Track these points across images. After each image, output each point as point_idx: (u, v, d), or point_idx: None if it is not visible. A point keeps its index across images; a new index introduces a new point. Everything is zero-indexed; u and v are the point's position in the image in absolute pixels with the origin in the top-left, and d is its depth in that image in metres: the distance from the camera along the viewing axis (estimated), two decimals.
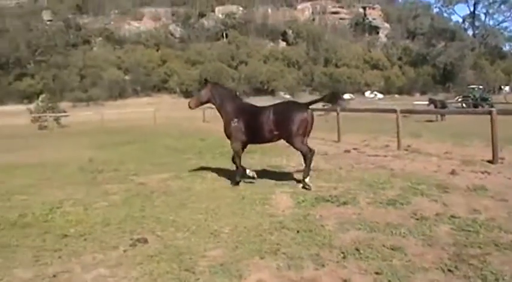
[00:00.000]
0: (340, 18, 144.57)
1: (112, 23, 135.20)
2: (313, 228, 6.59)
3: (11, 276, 5.35)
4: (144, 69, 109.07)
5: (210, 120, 39.76)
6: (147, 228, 6.94)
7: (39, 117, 44.49)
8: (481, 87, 58.58)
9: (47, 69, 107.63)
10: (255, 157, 14.19)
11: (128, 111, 50.52)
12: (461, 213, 7.02)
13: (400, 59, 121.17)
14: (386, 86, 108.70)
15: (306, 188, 9.17)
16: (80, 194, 9.74)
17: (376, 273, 5.00)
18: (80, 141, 24.71)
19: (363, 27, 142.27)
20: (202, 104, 10.73)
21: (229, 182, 10.35)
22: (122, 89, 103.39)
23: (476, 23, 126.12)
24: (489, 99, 50.39)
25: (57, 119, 44.65)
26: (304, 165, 9.67)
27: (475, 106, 46.48)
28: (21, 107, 72.90)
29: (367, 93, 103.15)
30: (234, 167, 10.52)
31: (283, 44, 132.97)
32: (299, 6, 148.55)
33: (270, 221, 7.06)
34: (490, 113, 12.44)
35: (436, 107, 35.69)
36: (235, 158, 10.30)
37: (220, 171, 11.68)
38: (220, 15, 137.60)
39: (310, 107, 9.82)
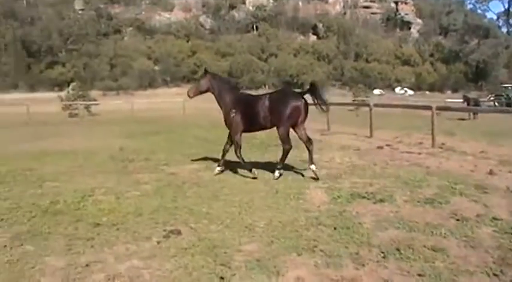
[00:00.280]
0: (372, 13, 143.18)
1: (143, 13, 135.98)
2: (350, 225, 6.41)
3: (43, 264, 5.27)
4: (174, 59, 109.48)
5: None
6: (180, 219, 6.82)
7: (70, 105, 44.77)
8: None
9: (78, 58, 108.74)
10: None
11: (158, 101, 50.68)
12: (503, 215, 6.77)
13: (432, 55, 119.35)
14: (417, 83, 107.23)
15: (276, 179, 9.60)
16: (111, 182, 9.68)
17: (419, 275, 4.84)
18: (110, 129, 24.75)
19: (394, 22, 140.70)
20: (201, 93, 10.91)
21: (262, 174, 10.17)
22: (152, 78, 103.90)
23: (511, 21, 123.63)
24: None
25: (87, 107, 44.89)
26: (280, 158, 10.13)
27: (508, 105, 45.59)
28: (52, 95, 73.59)
29: (397, 89, 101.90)
30: (262, 159, 10.45)
31: (313, 37, 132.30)
32: (330, 0, 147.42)
33: (305, 216, 6.89)
34: None
35: (469, 104, 35.09)
36: (235, 147, 10.42)
37: (253, 163, 11.51)
38: (250, 7, 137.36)
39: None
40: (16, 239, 6.08)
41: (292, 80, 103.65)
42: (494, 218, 6.59)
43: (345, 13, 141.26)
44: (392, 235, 6.00)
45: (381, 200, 7.66)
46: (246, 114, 10.13)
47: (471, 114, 31.75)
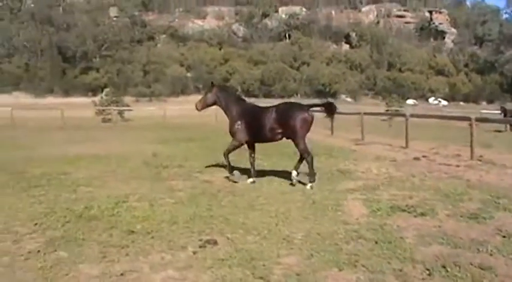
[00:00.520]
0: (406, 22, 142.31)
1: (176, 20, 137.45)
2: (392, 239, 6.14)
3: (77, 271, 5.15)
4: (207, 67, 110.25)
5: None
6: (216, 229, 6.64)
7: (103, 110, 45.23)
8: None
9: (112, 64, 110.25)
10: (322, 160, 13.70)
11: (190, 107, 50.37)
12: None
13: (466, 65, 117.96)
14: (451, 93, 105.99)
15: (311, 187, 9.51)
16: (144, 189, 9.58)
17: None
18: (143, 135, 24.85)
19: (428, 31, 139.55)
20: (208, 106, 11.11)
21: (298, 184, 9.99)
22: (184, 85, 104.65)
23: None
24: None
25: (120, 113, 45.31)
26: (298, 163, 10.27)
27: None
28: (86, 100, 74.66)
29: (431, 100, 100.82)
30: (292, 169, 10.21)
31: (346, 46, 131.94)
32: (363, 9, 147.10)
33: (344, 229, 6.65)
34: None
35: (505, 115, 34.34)
36: (226, 151, 10.60)
37: (288, 173, 11.30)
38: (283, 16, 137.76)
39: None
40: (50, 244, 5.98)
41: (324, 89, 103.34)
42: None
43: (378, 22, 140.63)
44: (436, 251, 5.72)
45: (422, 214, 7.37)
46: (252, 125, 10.27)
47: (507, 126, 31.07)
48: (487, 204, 7.97)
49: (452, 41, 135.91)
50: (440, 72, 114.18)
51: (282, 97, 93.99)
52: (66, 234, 6.38)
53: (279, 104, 10.48)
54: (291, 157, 14.42)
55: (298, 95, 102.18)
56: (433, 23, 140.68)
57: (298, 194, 8.97)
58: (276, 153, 15.49)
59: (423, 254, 5.63)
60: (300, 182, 10.07)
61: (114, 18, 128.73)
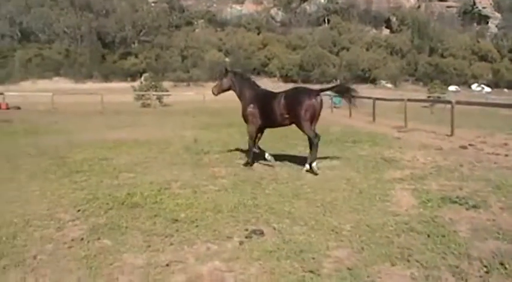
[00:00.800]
0: (448, 6, 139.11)
1: (214, 5, 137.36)
2: (445, 233, 5.86)
3: (121, 261, 5.04)
4: (245, 52, 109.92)
5: None
6: (261, 218, 6.46)
7: (143, 95, 45.54)
8: None
9: (151, 49, 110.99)
10: (365, 148, 13.44)
11: (228, 93, 50.34)
12: None
13: (510, 51, 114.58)
14: (494, 79, 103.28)
15: (315, 173, 9.53)
16: (186, 175, 9.48)
17: None
18: (182, 120, 24.85)
19: (471, 16, 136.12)
20: (224, 91, 11.46)
21: (342, 172, 9.77)
22: (238, 71, 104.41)
23: None
24: None
25: (159, 98, 45.55)
26: (309, 151, 10.16)
27: None
28: (125, 85, 75.26)
29: (474, 86, 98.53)
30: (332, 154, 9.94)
31: (386, 31, 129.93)
32: None
33: (394, 220, 6.39)
34: None
35: None
36: (249, 140, 10.89)
37: (331, 161, 11.08)
38: (322, 0, 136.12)
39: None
40: (93, 232, 5.90)
41: (364, 74, 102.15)
42: None
43: (419, 6, 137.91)
44: (492, 247, 5.43)
45: (475, 206, 7.04)
46: (263, 110, 10.49)
47: None
48: None
49: (496, 26, 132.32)
50: (483, 58, 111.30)
51: (321, 82, 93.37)
52: (109, 222, 6.28)
53: (289, 90, 10.71)
54: (335, 144, 14.25)
55: (338, 80, 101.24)
56: (476, 7, 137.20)
57: (343, 183, 8.72)
58: (321, 139, 15.24)
59: (479, 249, 5.36)
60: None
61: (153, 4, 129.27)
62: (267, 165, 10.65)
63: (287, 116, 10.09)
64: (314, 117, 10.06)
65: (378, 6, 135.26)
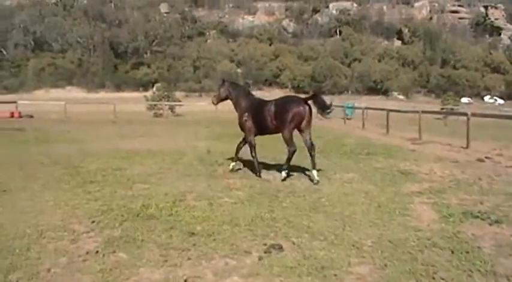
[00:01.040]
0: (460, 18, 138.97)
1: (226, 16, 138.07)
2: (469, 249, 5.68)
3: (138, 276, 4.90)
4: (257, 63, 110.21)
5: (318, 116, 39.02)
6: (280, 232, 6.30)
7: (155, 105, 45.61)
8: None
9: (163, 59, 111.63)
10: (381, 160, 13.26)
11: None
12: None
13: None
14: (507, 91, 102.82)
15: (282, 180, 9.94)
16: (201, 186, 9.35)
17: None
18: (195, 130, 24.78)
19: (483, 27, 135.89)
20: (222, 100, 11.81)
21: (359, 185, 9.61)
22: (235, 81, 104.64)
23: None
24: None
25: (171, 108, 45.59)
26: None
27: None
28: (137, 95, 75.59)
29: (487, 98, 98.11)
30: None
31: (398, 42, 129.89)
32: (416, 4, 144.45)
33: (416, 236, 6.21)
34: None
35: None
36: (251, 150, 11.09)
37: (348, 173, 10.92)
38: (334, 11, 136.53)
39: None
40: (109, 244, 5.76)
41: (375, 86, 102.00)
42: None
43: (431, 18, 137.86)
44: None
45: (497, 221, 6.85)
46: (256, 118, 10.75)
47: None
48: None
49: (509, 38, 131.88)
50: (496, 70, 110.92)
51: (333, 94, 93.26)
52: (124, 234, 6.15)
53: (279, 98, 11.00)
54: (349, 156, 14.08)
55: (349, 91, 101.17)
56: (489, 19, 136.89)
57: (361, 196, 8.56)
58: (334, 151, 15.12)
59: (505, 266, 5.19)
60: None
61: (165, 14, 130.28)
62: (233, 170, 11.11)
63: (275, 123, 10.34)
64: (299, 126, 10.23)
65: (389, 18, 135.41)
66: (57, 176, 10.58)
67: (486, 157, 14.26)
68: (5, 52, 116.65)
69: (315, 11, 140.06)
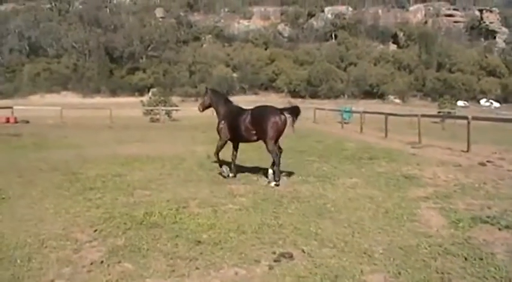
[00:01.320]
0: (455, 21, 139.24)
1: (222, 21, 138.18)
2: (482, 256, 5.57)
3: None
4: (252, 67, 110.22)
5: (319, 121, 38.97)
6: (288, 240, 6.15)
7: (151, 110, 45.45)
8: None
9: (158, 64, 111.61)
10: (383, 164, 13.14)
11: None
12: None
13: None
14: (503, 94, 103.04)
15: (271, 186, 9.93)
16: (204, 193, 9.21)
17: None
18: (193, 135, 24.61)
19: (478, 31, 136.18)
20: (206, 107, 12.25)
21: (364, 190, 9.48)
22: (230, 86, 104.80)
23: None
24: None
25: (168, 113, 45.44)
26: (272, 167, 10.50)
27: None
28: (133, 99, 75.38)
29: (483, 101, 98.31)
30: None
31: (393, 46, 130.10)
32: (411, 8, 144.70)
33: (427, 242, 6.09)
34: None
35: None
36: (216, 151, 11.48)
37: (351, 178, 10.79)
38: (329, 16, 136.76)
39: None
40: (113, 254, 5.60)
41: (371, 90, 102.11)
42: None
43: (426, 22, 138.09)
44: None
45: (508, 227, 6.74)
46: (232, 125, 11.02)
47: None
48: None
49: (504, 41, 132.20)
50: (491, 73, 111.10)
51: (329, 98, 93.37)
52: (128, 243, 5.98)
53: (255, 107, 11.22)
54: (351, 161, 13.95)
55: (346, 95, 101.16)
56: (484, 22, 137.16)
57: (366, 201, 8.43)
58: (335, 156, 15.00)
59: None
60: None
61: (160, 19, 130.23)
62: (221, 175, 11.19)
63: (254, 132, 10.60)
64: (279, 135, 10.50)
65: (385, 22, 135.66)
66: (56, 182, 10.41)
67: (488, 161, 14.16)
68: None
69: (310, 15, 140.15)
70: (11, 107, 41.75)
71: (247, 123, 10.58)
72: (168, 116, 45.24)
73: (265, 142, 10.43)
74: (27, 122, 38.89)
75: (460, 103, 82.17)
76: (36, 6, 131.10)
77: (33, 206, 8.06)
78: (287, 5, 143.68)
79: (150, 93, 60.63)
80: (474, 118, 18.53)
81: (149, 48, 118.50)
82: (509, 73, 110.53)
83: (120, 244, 5.97)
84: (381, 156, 15.04)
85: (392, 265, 5.28)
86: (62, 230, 6.64)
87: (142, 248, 5.82)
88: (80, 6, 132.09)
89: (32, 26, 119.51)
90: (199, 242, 6.03)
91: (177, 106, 50.38)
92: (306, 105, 54.74)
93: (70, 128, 31.62)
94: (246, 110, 11.12)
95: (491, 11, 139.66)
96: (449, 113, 46.34)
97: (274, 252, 5.65)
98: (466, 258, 5.50)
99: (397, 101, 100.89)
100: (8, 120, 38.17)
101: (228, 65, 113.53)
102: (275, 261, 5.38)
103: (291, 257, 5.47)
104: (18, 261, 5.38)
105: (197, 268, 5.19)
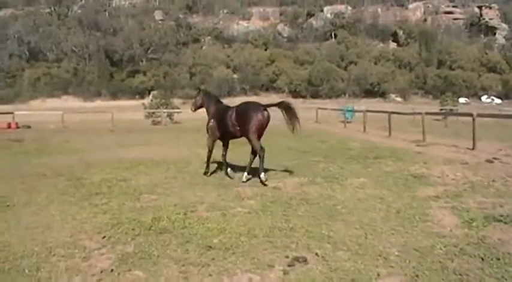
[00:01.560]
0: (454, 18, 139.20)
1: (221, 22, 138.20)
2: (499, 256, 5.47)
3: None
4: (253, 68, 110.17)
5: (321, 121, 38.84)
6: (300, 243, 6.03)
7: (153, 113, 45.34)
8: None
9: (159, 67, 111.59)
10: (389, 164, 13.00)
11: None
12: None
13: None
14: (504, 90, 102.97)
15: (264, 184, 10.09)
16: (211, 196, 9.09)
17: None
18: (195, 138, 24.41)
19: (478, 27, 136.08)
20: (198, 107, 12.63)
21: (373, 190, 9.35)
22: (231, 87, 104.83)
23: None
24: None
25: (170, 115, 45.33)
26: (249, 163, 11.13)
27: None
28: (133, 102, 75.31)
29: (484, 98, 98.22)
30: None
31: (393, 44, 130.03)
32: (410, 6, 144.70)
33: (442, 243, 5.98)
34: None
35: None
36: (208, 153, 11.87)
37: (359, 178, 10.66)
38: (328, 15, 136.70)
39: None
40: (123, 262, 5.47)
41: (372, 89, 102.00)
42: None
43: (425, 19, 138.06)
44: None
45: None
46: (220, 123, 11.35)
47: None
48: None
49: (504, 37, 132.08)
50: (492, 70, 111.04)
51: (330, 97, 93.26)
52: (138, 250, 5.85)
53: (240, 104, 11.34)
54: (357, 160, 13.83)
55: (347, 95, 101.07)
56: (483, 19, 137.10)
57: (377, 202, 8.30)
58: (340, 156, 14.88)
59: None
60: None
61: (160, 22, 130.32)
62: (229, 177, 11.39)
63: (238, 128, 10.80)
64: (261, 131, 10.71)
65: (384, 20, 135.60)
66: (61, 188, 10.27)
67: (494, 158, 14.06)
68: None
69: (310, 15, 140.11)
70: (12, 113, 41.67)
71: (233, 120, 10.82)
72: (170, 118, 45.13)
73: (248, 138, 10.63)
74: (29, 127, 38.80)
75: (461, 100, 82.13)
76: (35, 11, 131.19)
77: (38, 213, 7.93)
78: (286, 5, 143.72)
79: (151, 96, 60.53)
80: (479, 115, 18.41)
81: (149, 51, 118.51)
82: (510, 69, 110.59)
83: (130, 251, 5.85)
84: (386, 155, 14.92)
85: (408, 267, 5.17)
86: (69, 237, 6.51)
87: (152, 254, 5.69)
88: (79, 10, 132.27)
89: (32, 31, 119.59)
90: (210, 247, 5.90)
91: (178, 108, 50.22)
92: (308, 105, 54.71)
93: (72, 133, 31.48)
94: (232, 107, 11.37)
95: (490, 8, 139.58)
96: (451, 110, 46.23)
97: (287, 257, 5.52)
98: (482, 259, 5.40)
99: (399, 99, 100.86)
100: (9, 126, 38.05)
101: (228, 67, 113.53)
102: (289, 265, 5.26)
103: (305, 261, 5.35)
104: (27, 271, 5.27)
105: (210, 275, 5.07)
